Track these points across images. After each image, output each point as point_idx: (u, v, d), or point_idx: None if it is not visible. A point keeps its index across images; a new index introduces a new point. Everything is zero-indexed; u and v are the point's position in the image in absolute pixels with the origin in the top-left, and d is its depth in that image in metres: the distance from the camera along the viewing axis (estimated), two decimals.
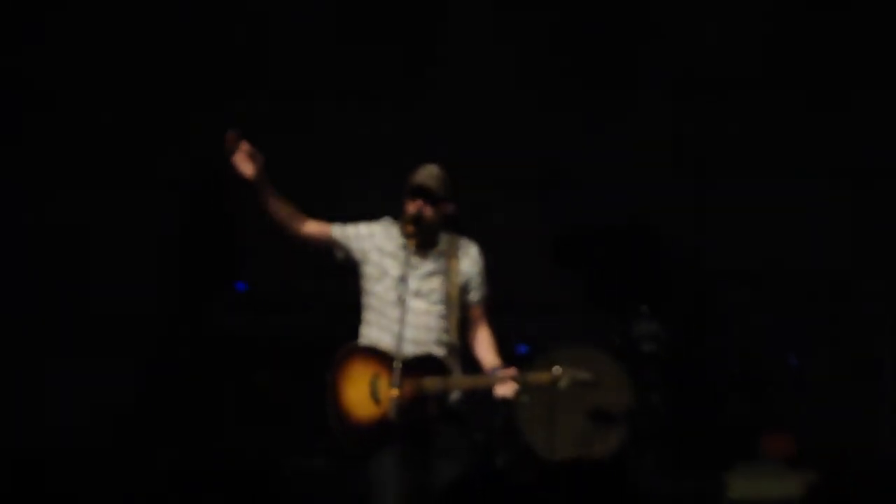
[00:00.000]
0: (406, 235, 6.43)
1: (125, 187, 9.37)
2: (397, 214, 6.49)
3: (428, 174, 6.41)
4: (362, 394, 6.42)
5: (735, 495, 7.77)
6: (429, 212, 6.39)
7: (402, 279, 6.41)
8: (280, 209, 6.43)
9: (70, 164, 9.43)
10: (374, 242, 6.48)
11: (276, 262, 9.25)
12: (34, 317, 9.36)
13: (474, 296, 6.53)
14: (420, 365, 6.36)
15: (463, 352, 6.54)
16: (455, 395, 6.37)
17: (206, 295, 9.13)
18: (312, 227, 6.51)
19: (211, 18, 9.70)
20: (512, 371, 6.36)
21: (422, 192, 6.37)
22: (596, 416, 8.14)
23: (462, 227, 6.62)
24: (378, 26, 9.65)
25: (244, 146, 6.37)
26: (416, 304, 6.43)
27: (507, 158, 9.38)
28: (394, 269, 6.44)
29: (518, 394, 6.31)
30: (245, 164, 6.36)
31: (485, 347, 6.54)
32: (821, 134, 9.30)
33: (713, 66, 9.42)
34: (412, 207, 6.39)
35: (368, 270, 6.48)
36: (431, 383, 6.34)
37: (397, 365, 6.32)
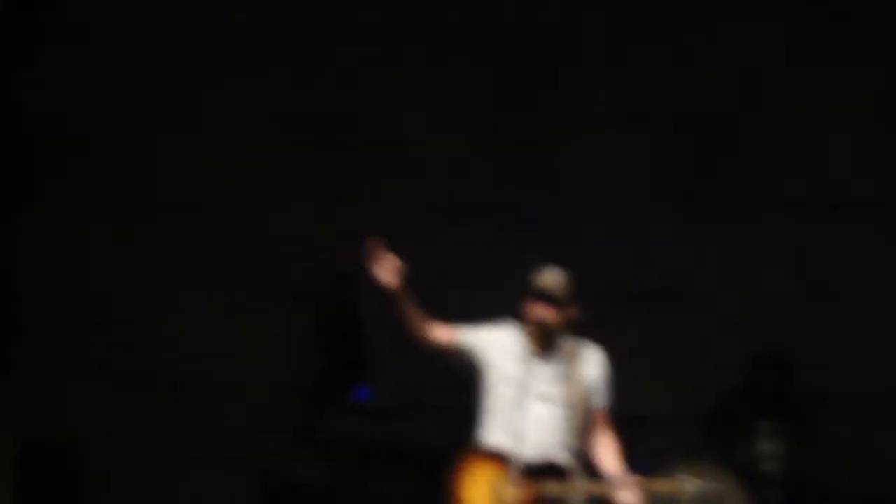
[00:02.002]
0: (528, 338, 6.47)
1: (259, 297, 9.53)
2: (521, 318, 6.53)
3: (550, 277, 6.45)
4: (483, 497, 6.42)
5: None
6: (551, 315, 6.43)
7: (524, 383, 6.44)
8: (414, 317, 6.50)
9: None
10: (500, 347, 6.52)
11: (399, 370, 9.33)
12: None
13: (598, 401, 6.52)
14: (540, 470, 6.36)
15: (585, 459, 6.53)
16: (577, 502, 6.34)
17: (331, 398, 9.20)
18: (442, 334, 6.56)
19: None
20: (636, 478, 6.32)
21: (545, 296, 6.41)
22: None
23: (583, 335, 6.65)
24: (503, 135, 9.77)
25: (387, 256, 6.46)
26: (537, 409, 6.43)
27: (623, 272, 9.40)
28: (517, 372, 6.46)
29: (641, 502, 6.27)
30: (386, 274, 6.44)
31: (607, 454, 6.51)
32: None
33: (833, 188, 9.41)
34: (536, 311, 6.43)
35: (491, 375, 6.52)
36: (551, 488, 6.32)
37: (516, 466, 6.32)
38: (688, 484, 6.26)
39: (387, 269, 6.43)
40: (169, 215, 9.86)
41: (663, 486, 6.32)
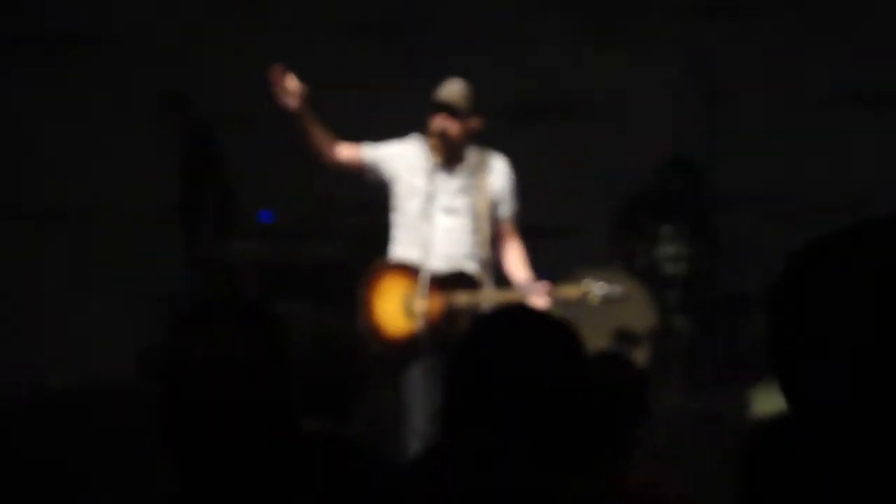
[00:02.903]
0: (432, 151, 6.48)
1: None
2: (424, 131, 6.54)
3: (452, 89, 6.44)
4: (394, 309, 6.48)
5: (760, 410, 7.84)
6: (454, 127, 6.43)
7: (430, 195, 6.46)
8: (319, 137, 6.49)
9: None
10: (404, 161, 6.53)
11: (300, 194, 9.32)
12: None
13: (504, 210, 6.58)
14: (450, 280, 6.42)
15: (494, 268, 6.60)
16: (487, 311, 6.44)
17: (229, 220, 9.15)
18: (345, 152, 6.56)
19: None
20: (543, 284, 6.41)
21: (446, 108, 6.41)
22: (620, 338, 8.20)
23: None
24: None
25: (287, 78, 6.42)
26: (445, 220, 6.48)
27: (523, 86, 9.41)
28: (423, 185, 6.48)
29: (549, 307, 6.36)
30: (289, 97, 6.40)
31: (515, 262, 6.59)
32: (838, 57, 9.30)
33: None
34: (437, 123, 6.43)
35: (398, 189, 6.53)
36: (462, 298, 6.40)
37: (424, 277, 6.38)
38: (595, 287, 6.38)
39: (288, 92, 6.40)
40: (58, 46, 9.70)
41: (570, 290, 6.43)
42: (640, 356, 8.00)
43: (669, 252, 8.66)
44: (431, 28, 9.52)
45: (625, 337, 8.18)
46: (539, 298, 6.36)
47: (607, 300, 6.42)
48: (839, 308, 1.47)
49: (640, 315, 8.22)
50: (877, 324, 1.44)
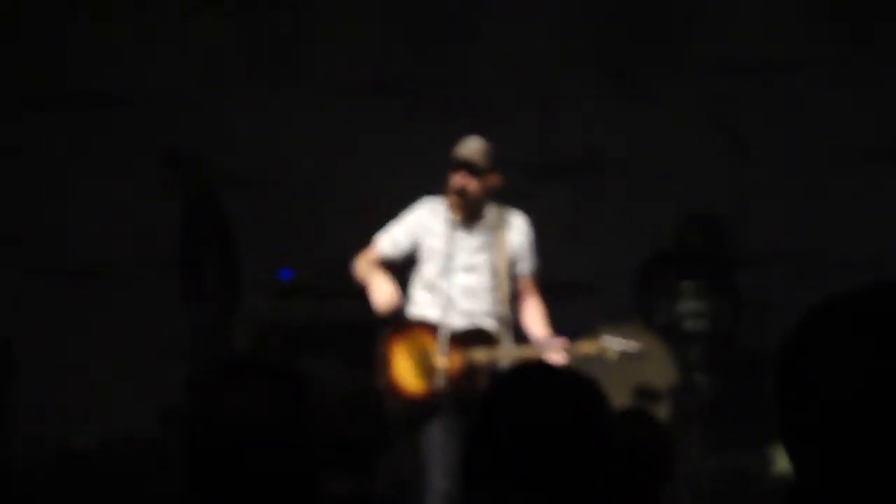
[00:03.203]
0: (451, 208, 6.50)
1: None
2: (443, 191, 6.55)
3: (471, 147, 6.46)
4: (412, 367, 6.47)
5: (780, 468, 7.80)
6: (473, 185, 6.44)
7: (450, 254, 6.47)
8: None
9: None
10: (421, 227, 6.54)
11: (322, 250, 9.33)
12: None
13: (523, 267, 6.58)
14: (468, 337, 6.42)
15: (514, 326, 6.60)
16: (506, 367, 6.42)
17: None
18: (376, 264, 6.60)
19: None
20: (561, 341, 6.41)
21: (466, 165, 6.42)
22: (640, 395, 8.18)
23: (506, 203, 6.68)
24: (416, 12, 9.71)
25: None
26: (464, 278, 6.48)
27: (548, 143, 9.43)
28: (441, 246, 6.49)
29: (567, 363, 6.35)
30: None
31: (534, 319, 6.58)
32: (864, 115, 9.31)
33: (756, 48, 9.45)
34: (457, 180, 6.44)
35: (419, 253, 6.55)
36: (479, 354, 6.39)
37: (444, 335, 6.38)
38: (613, 343, 6.37)
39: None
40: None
41: (589, 346, 6.42)
42: (661, 413, 7.97)
43: (690, 308, 8.65)
44: (455, 84, 9.55)
45: (645, 394, 8.15)
46: (556, 354, 6.35)
47: (625, 356, 6.41)
48: (839, 369, 1.46)
49: (661, 372, 8.19)
50: (872, 387, 1.43)
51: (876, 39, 9.42)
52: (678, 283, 8.67)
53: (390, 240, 6.55)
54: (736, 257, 9.01)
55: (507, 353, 6.39)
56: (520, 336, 6.59)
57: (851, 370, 1.44)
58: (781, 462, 7.88)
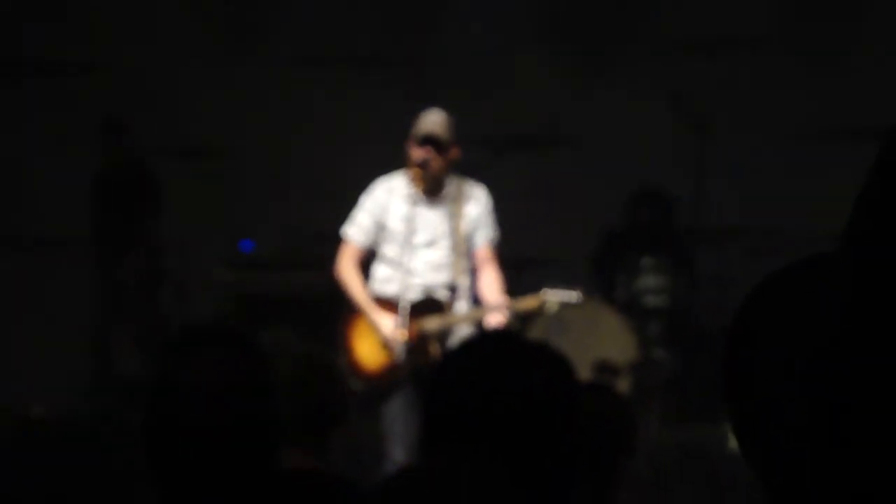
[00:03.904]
0: (413, 182, 6.50)
1: None
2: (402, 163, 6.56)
3: (433, 120, 6.46)
4: (372, 343, 6.50)
5: (735, 444, 7.85)
6: (436, 159, 6.45)
7: (411, 227, 6.49)
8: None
9: None
10: (383, 209, 6.55)
11: (284, 222, 9.31)
12: None
13: (480, 238, 6.60)
14: (419, 308, 6.46)
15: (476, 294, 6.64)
16: (463, 334, 6.45)
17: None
18: (359, 262, 6.60)
19: None
20: (501, 299, 6.46)
21: (429, 140, 6.42)
22: (601, 370, 8.20)
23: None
24: None
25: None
26: (425, 253, 6.50)
27: (506, 118, 9.43)
28: (403, 223, 6.50)
29: (509, 322, 6.44)
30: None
31: (489, 287, 6.61)
32: (822, 94, 9.35)
33: (715, 25, 9.47)
34: (419, 155, 6.44)
35: (382, 234, 6.57)
36: (430, 323, 6.43)
37: (403, 308, 6.39)
38: (553, 295, 6.45)
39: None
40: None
41: (529, 301, 6.51)
42: (621, 388, 7.99)
43: (650, 284, 8.67)
44: (417, 61, 9.54)
45: (605, 369, 8.18)
46: (497, 313, 6.42)
47: (565, 306, 6.50)
48: (782, 341, 1.45)
49: (621, 347, 8.22)
50: (816, 360, 1.40)
51: (833, 18, 9.45)
52: (638, 260, 8.69)
53: (359, 229, 6.56)
54: (694, 234, 9.04)
55: (455, 319, 6.45)
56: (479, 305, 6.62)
57: (787, 353, 1.41)
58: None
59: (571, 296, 6.54)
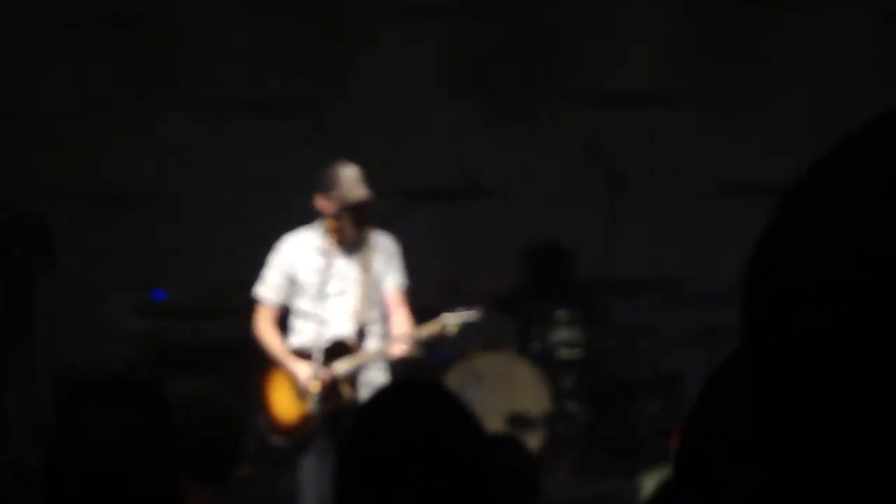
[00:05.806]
0: (327, 234, 6.53)
1: None
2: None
3: (347, 176, 6.47)
4: (289, 396, 6.49)
5: (648, 496, 7.87)
6: (350, 214, 6.49)
7: (324, 278, 6.51)
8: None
9: None
10: (292, 265, 6.57)
11: (195, 271, 9.27)
12: None
13: (390, 283, 6.64)
14: (332, 352, 6.49)
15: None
16: (375, 377, 6.46)
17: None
18: (276, 317, 6.61)
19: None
20: (405, 330, 6.49)
21: (360, 206, 6.45)
22: (514, 422, 8.21)
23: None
24: (292, 36, 9.69)
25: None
26: (335, 300, 6.52)
27: (419, 168, 9.45)
28: (313, 272, 6.54)
29: (412, 350, 6.49)
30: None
31: (398, 326, 6.63)
32: (731, 149, 9.45)
33: (629, 81, 9.57)
34: (332, 208, 6.47)
35: (294, 289, 6.59)
36: (340, 366, 6.45)
37: (318, 358, 6.39)
38: (452, 318, 6.52)
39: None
40: None
41: (430, 327, 6.57)
42: (534, 440, 8.01)
43: (564, 337, 8.71)
44: (330, 108, 9.55)
45: (519, 421, 8.19)
46: (399, 345, 6.47)
47: (465, 326, 6.59)
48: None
49: (535, 399, 8.24)
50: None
51: (743, 75, 9.59)
52: (552, 312, 8.73)
53: (270, 287, 6.58)
54: (607, 285, 9.09)
55: (363, 358, 6.47)
56: None
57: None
58: (647, 488, 7.95)
59: (471, 315, 6.62)
